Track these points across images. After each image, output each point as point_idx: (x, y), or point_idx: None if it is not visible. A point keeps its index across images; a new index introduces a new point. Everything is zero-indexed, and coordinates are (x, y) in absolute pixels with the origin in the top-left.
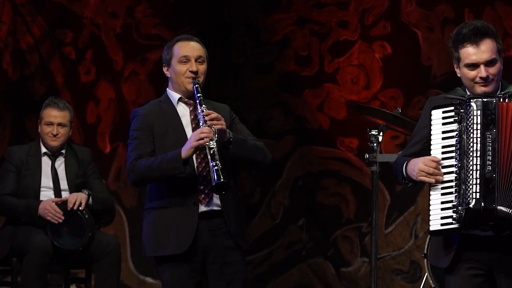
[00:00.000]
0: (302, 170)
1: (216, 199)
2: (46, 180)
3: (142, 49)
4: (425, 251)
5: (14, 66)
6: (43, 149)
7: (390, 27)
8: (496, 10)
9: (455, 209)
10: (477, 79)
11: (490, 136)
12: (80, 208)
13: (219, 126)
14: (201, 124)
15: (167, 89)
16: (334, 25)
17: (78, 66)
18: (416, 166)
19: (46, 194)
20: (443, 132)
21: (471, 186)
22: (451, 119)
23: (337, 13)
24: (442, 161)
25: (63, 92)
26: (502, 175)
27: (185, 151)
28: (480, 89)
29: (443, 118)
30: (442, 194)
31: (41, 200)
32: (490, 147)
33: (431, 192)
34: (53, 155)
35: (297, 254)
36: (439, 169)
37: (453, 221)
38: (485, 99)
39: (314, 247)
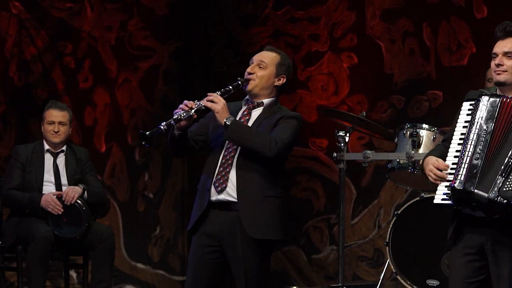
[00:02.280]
0: None
1: (232, 192)
2: (48, 176)
3: (134, 59)
4: (387, 240)
5: (19, 74)
6: (46, 148)
7: (356, 40)
8: (450, 24)
9: (448, 188)
10: (493, 67)
11: (487, 129)
12: (73, 200)
13: (209, 105)
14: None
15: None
16: (306, 37)
17: (77, 74)
18: (428, 166)
19: (48, 187)
20: (464, 122)
21: (460, 170)
22: (470, 112)
23: (309, 27)
24: (453, 151)
25: (63, 97)
26: (486, 164)
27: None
28: (495, 77)
29: (467, 110)
30: (448, 174)
31: (43, 194)
32: (484, 138)
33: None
34: (55, 152)
35: None
36: (444, 174)
37: (448, 197)
38: (491, 98)
39: (288, 237)
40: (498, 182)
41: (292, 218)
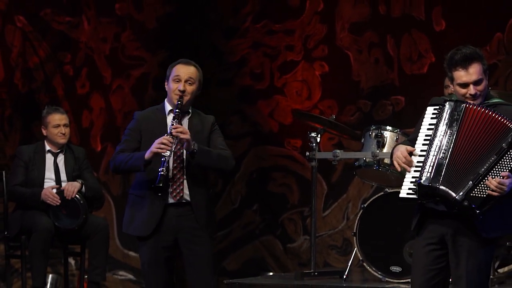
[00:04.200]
0: (256, 165)
1: (186, 195)
2: (49, 173)
3: (126, 68)
4: (355, 231)
5: (23, 81)
6: (47, 148)
7: (327, 50)
8: (412, 36)
9: (414, 183)
10: (467, 95)
11: (451, 131)
12: (73, 195)
13: (183, 136)
14: (167, 134)
15: (165, 100)
16: (283, 48)
17: (75, 81)
18: (395, 154)
19: (49, 184)
20: (428, 124)
21: (427, 168)
22: (434, 115)
23: (285, 38)
24: (418, 150)
25: (63, 102)
26: (451, 163)
27: (147, 154)
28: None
29: (432, 114)
30: (414, 171)
31: (38, 181)
32: (449, 139)
33: (409, 169)
34: (55, 152)
35: (252, 233)
36: (410, 160)
37: (414, 192)
38: (454, 103)
39: (265, 227)
40: (467, 186)
41: (270, 211)
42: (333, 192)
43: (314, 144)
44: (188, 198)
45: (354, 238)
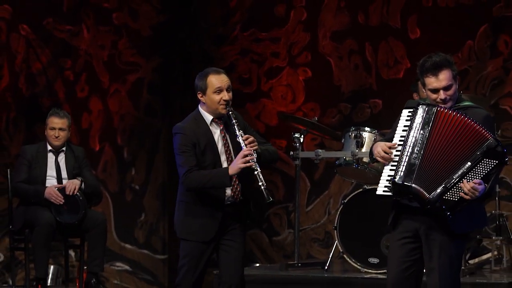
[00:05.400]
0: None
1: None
2: (51, 171)
3: (123, 73)
4: (336, 224)
5: (27, 86)
6: (49, 148)
7: (311, 57)
8: (389, 44)
9: (389, 181)
10: (438, 100)
11: (423, 133)
12: (75, 192)
13: (256, 147)
14: (242, 146)
15: (200, 108)
16: (269, 55)
17: (75, 86)
18: (376, 149)
19: (50, 181)
20: (403, 126)
21: (401, 167)
22: (409, 118)
23: (271, 46)
24: (396, 146)
25: (64, 105)
26: (423, 163)
27: (232, 170)
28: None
29: (406, 116)
30: (390, 170)
31: (46, 186)
32: (421, 141)
33: (384, 168)
34: (56, 152)
35: None
36: (390, 153)
37: (389, 190)
38: (427, 106)
39: (253, 222)
40: (440, 190)
41: (256, 206)
42: (316, 189)
43: (297, 144)
44: (241, 197)
45: (335, 231)
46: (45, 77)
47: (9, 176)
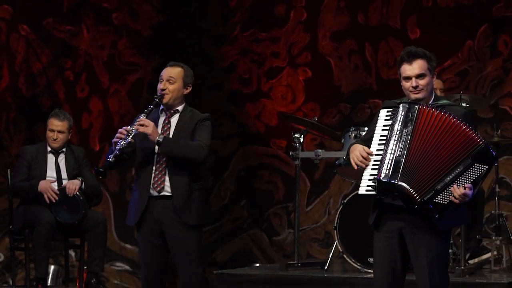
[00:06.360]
0: (244, 164)
1: (167, 188)
2: (51, 172)
3: (123, 73)
4: (335, 224)
5: (27, 86)
6: (49, 149)
7: (310, 57)
8: (388, 44)
9: (373, 180)
10: (411, 88)
11: (406, 131)
12: (75, 192)
13: (142, 129)
14: (130, 125)
15: None
16: (269, 55)
17: (75, 86)
18: (353, 152)
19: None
20: (383, 126)
21: (385, 165)
22: (388, 117)
23: (271, 46)
24: (374, 150)
25: (64, 105)
26: (408, 160)
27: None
28: (413, 96)
29: (385, 115)
30: (372, 169)
31: (41, 180)
32: (404, 139)
33: (366, 167)
34: (56, 152)
35: (240, 227)
36: (367, 159)
37: (372, 189)
38: (408, 105)
39: (253, 222)
40: (430, 194)
41: (256, 206)
42: (316, 189)
43: (297, 144)
44: (169, 190)
45: (335, 231)
46: (45, 77)
47: (9, 176)
